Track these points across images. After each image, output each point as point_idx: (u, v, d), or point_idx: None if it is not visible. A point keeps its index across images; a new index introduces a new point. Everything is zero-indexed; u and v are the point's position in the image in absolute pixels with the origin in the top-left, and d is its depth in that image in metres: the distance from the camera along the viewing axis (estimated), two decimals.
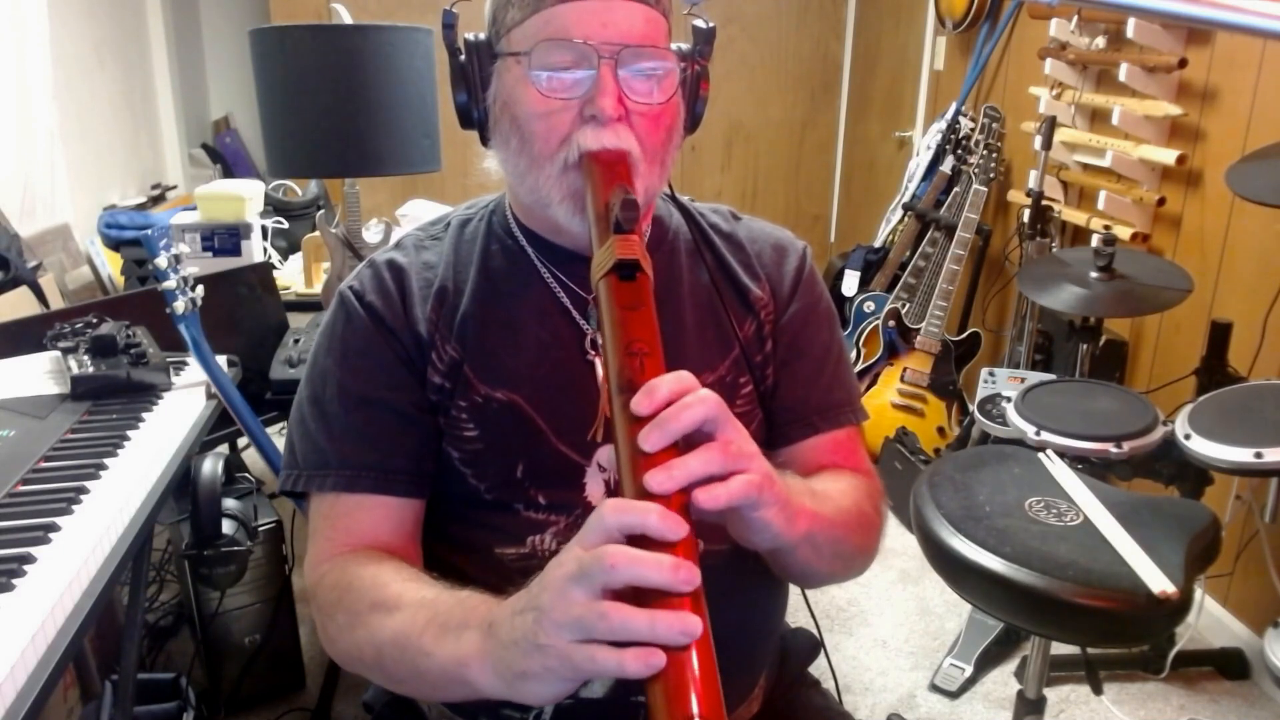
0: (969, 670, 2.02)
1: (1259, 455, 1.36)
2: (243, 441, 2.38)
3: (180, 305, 1.48)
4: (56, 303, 2.26)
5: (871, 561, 0.90)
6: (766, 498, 0.64)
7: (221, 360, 1.52)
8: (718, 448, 0.61)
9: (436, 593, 0.73)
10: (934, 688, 2.01)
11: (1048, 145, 2.55)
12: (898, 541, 2.53)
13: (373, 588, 0.77)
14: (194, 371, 1.45)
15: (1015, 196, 2.98)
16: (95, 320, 1.40)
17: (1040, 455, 1.46)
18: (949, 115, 3.30)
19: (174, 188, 3.56)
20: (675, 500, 0.58)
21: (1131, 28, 2.27)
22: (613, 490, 0.87)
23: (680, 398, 0.61)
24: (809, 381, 0.95)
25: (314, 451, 0.88)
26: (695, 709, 0.51)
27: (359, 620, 0.76)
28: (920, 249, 3.15)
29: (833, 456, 0.94)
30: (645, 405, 0.60)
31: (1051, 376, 2.07)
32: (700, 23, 0.88)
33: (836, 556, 0.81)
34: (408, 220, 2.59)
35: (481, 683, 0.64)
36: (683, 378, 0.62)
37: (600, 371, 0.87)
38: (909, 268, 3.15)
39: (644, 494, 0.58)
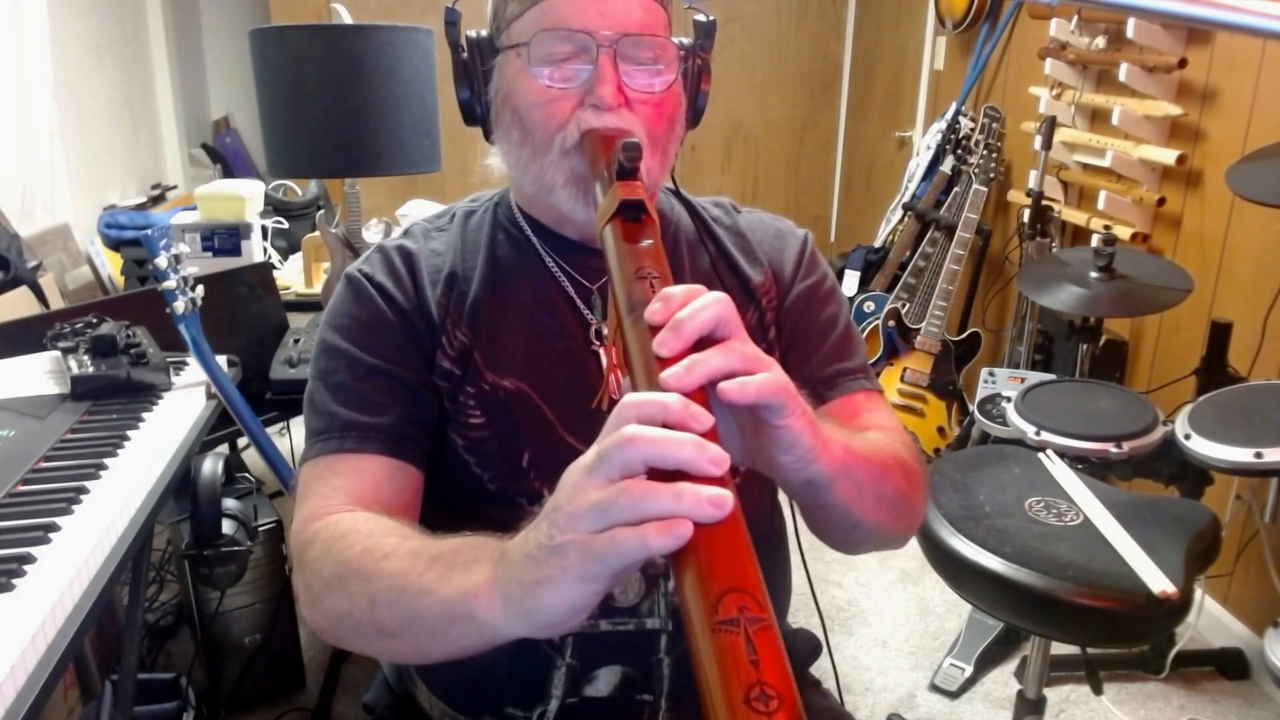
0: (969, 670, 2.02)
1: (1259, 455, 1.36)
2: (243, 441, 2.38)
3: (180, 305, 1.49)
4: (56, 303, 2.26)
5: (921, 515, 0.85)
6: (792, 404, 0.60)
7: (221, 360, 1.52)
8: (735, 345, 0.58)
9: (441, 538, 0.69)
10: (934, 688, 2.01)
11: (1048, 145, 2.55)
12: None
13: (369, 537, 0.73)
14: (194, 371, 1.45)
15: (1015, 196, 2.98)
16: (95, 320, 1.40)
17: (1040, 455, 1.46)
18: (949, 115, 3.30)
19: (174, 188, 3.57)
20: (696, 399, 0.54)
21: (1131, 28, 2.27)
22: None
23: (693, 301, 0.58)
24: (814, 352, 0.93)
25: (324, 421, 0.86)
26: (733, 581, 0.46)
27: (349, 569, 0.71)
28: (920, 249, 3.15)
29: (852, 420, 0.89)
30: (661, 313, 0.58)
31: (1051, 376, 2.07)
32: (701, 17, 0.89)
33: (880, 498, 0.75)
34: (407, 220, 2.58)
35: (489, 614, 0.59)
36: (694, 288, 0.59)
37: (605, 361, 0.87)
38: (909, 268, 3.15)
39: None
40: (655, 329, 0.57)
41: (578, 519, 0.52)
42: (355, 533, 0.74)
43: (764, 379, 0.57)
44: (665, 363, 0.56)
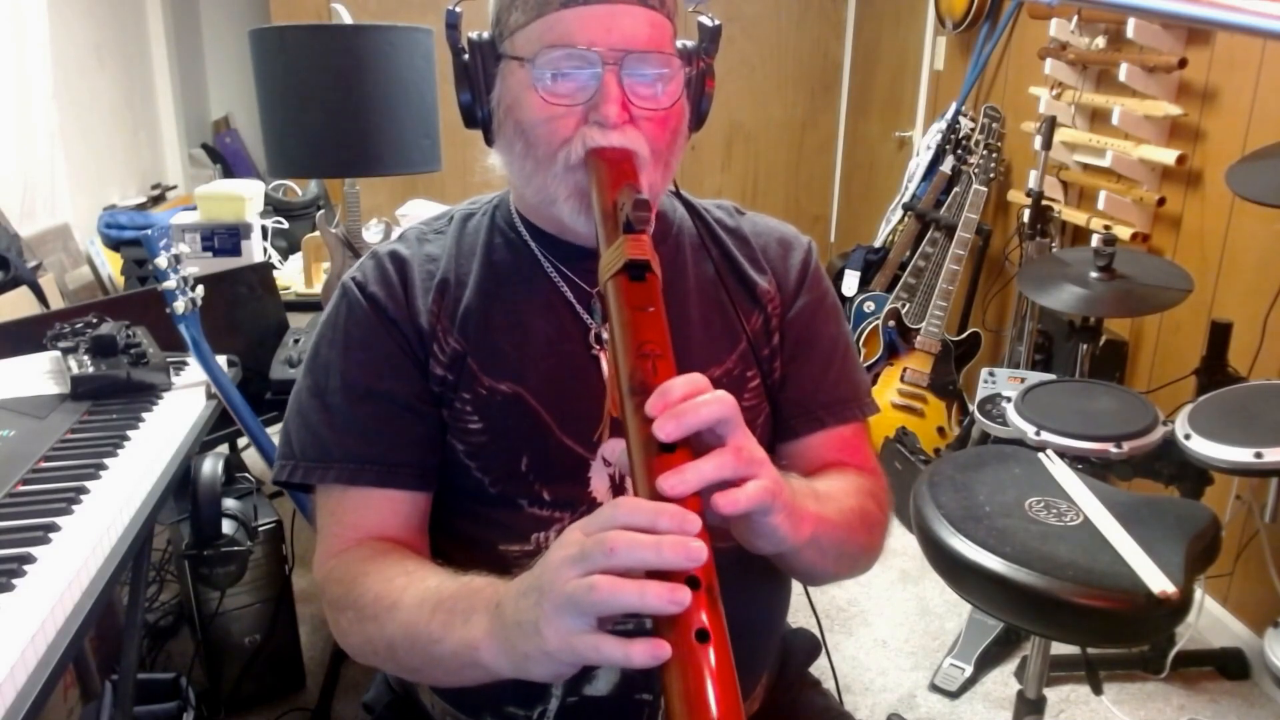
0: (969, 670, 2.02)
1: (1259, 455, 1.36)
2: (243, 441, 2.38)
3: (180, 305, 1.49)
4: (56, 303, 2.26)
5: (876, 559, 0.90)
6: (777, 504, 0.65)
7: (221, 360, 1.52)
8: (730, 452, 0.61)
9: (440, 580, 0.74)
10: (934, 688, 2.01)
11: (1048, 145, 2.55)
12: (898, 541, 2.52)
13: (378, 581, 0.78)
14: (194, 371, 1.45)
15: (1015, 196, 2.98)
16: (95, 320, 1.40)
17: (1040, 455, 1.46)
18: (949, 115, 3.29)
19: (174, 188, 3.56)
20: (688, 505, 0.58)
21: (1131, 28, 2.27)
22: (618, 485, 0.87)
23: (695, 398, 0.61)
24: (816, 376, 0.95)
25: (315, 443, 0.87)
26: (714, 711, 0.51)
27: (366, 615, 0.77)
28: (920, 249, 3.15)
29: (838, 453, 0.94)
30: (660, 407, 0.60)
31: (1051, 376, 2.07)
32: (705, 20, 0.88)
33: (841, 556, 0.82)
34: (407, 220, 2.59)
35: (492, 663, 0.65)
36: (695, 380, 0.62)
37: (606, 368, 0.88)
38: (909, 268, 3.15)
39: (657, 498, 0.58)
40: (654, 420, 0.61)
41: (559, 610, 0.57)
42: (365, 575, 0.79)
43: (754, 489, 0.61)
44: (664, 460, 0.59)
